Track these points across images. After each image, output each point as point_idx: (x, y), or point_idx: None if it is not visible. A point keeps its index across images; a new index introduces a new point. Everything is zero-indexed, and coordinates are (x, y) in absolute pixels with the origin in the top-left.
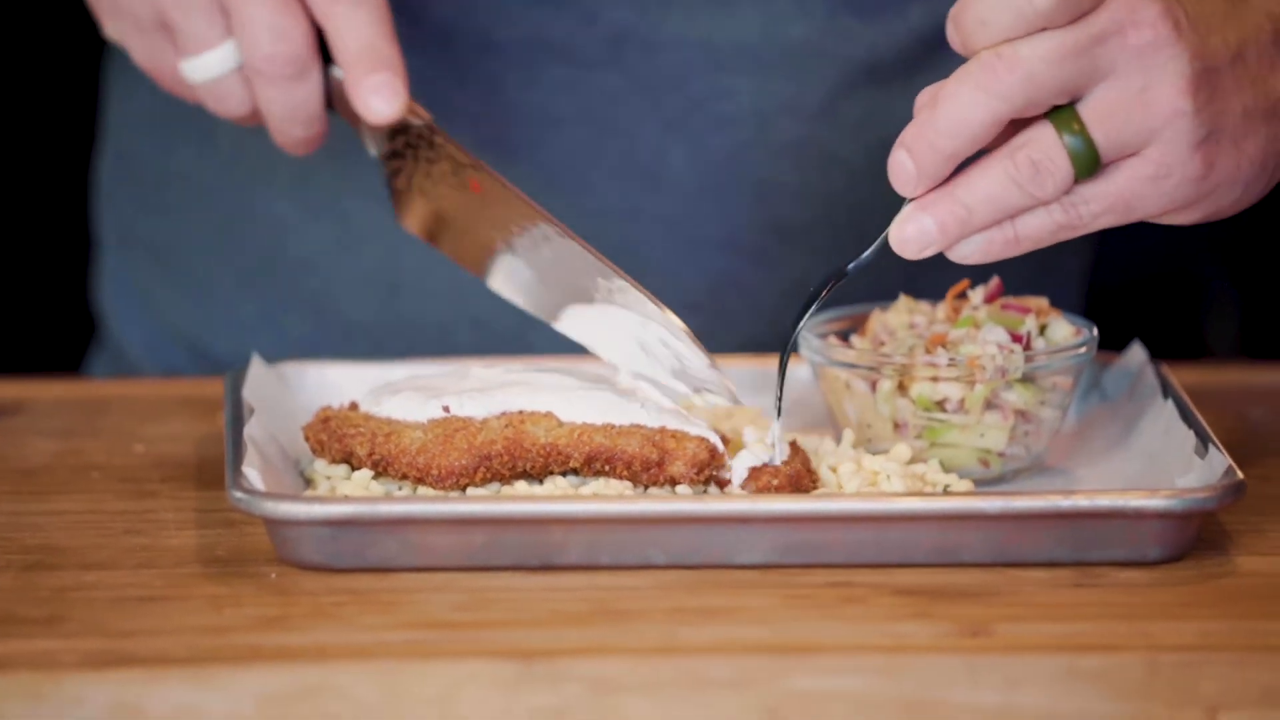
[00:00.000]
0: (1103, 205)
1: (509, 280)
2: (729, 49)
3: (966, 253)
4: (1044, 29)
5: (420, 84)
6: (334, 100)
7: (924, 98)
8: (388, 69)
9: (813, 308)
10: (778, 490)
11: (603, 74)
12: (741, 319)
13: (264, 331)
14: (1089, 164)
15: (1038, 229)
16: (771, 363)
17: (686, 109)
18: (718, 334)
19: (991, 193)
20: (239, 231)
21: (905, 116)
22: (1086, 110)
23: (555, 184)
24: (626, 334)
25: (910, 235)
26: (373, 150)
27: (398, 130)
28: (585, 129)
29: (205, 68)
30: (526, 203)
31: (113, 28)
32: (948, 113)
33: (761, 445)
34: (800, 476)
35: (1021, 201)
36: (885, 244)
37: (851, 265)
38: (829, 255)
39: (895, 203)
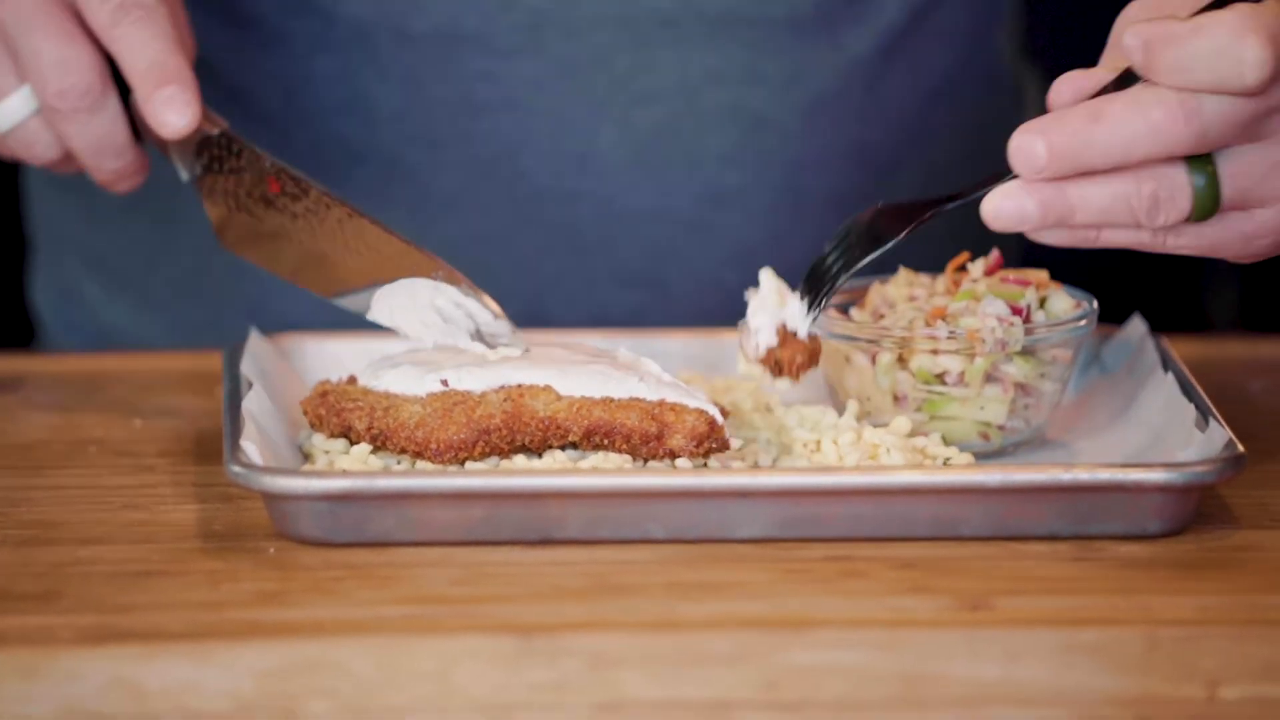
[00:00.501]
0: (1191, 243)
1: (317, 275)
2: (647, 23)
3: (1048, 238)
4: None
5: (340, 82)
6: (142, 128)
7: (1065, 90)
8: (175, 81)
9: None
10: (799, 368)
11: (523, 60)
12: (683, 289)
13: (203, 334)
14: (1207, 212)
15: (1121, 242)
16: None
17: (611, 87)
18: (660, 307)
19: (1104, 206)
20: (172, 235)
21: (835, 72)
22: (1225, 165)
23: (486, 173)
24: (425, 304)
25: (1008, 211)
26: (185, 175)
27: (201, 145)
28: (511, 116)
29: (4, 116)
30: (323, 193)
31: None
32: (1109, 134)
33: (788, 305)
34: (819, 355)
35: (1126, 221)
36: (966, 204)
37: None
38: (765, 218)
39: (828, 159)
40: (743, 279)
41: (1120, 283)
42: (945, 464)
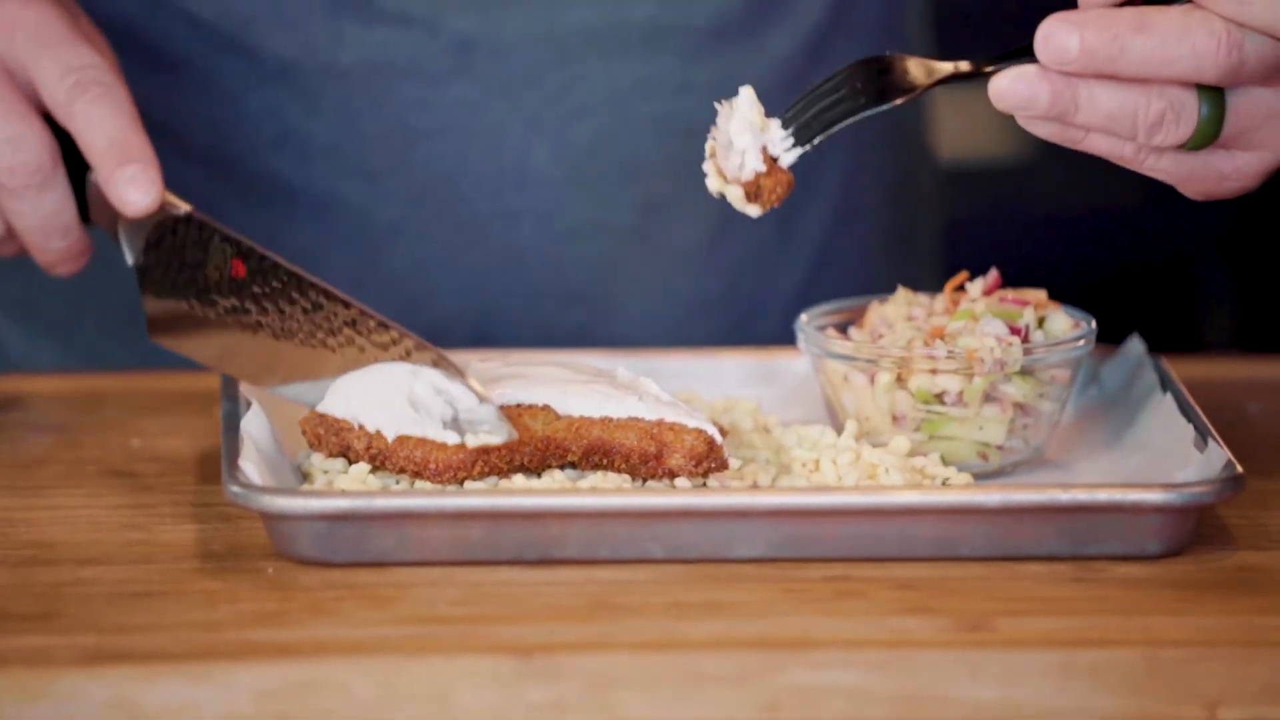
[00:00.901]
0: (1169, 167)
1: (275, 366)
2: (575, 40)
3: (1039, 130)
4: (1275, 37)
5: (271, 118)
6: (90, 211)
7: None
8: (137, 159)
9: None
10: (778, 199)
11: (454, 84)
12: (626, 302)
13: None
14: (1203, 143)
15: (1104, 149)
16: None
17: (543, 105)
18: (606, 321)
19: (1110, 112)
20: (103, 278)
21: (761, 75)
22: (1234, 101)
23: (424, 199)
24: (396, 392)
25: (1019, 93)
26: (130, 259)
27: (157, 229)
28: (446, 141)
29: None
30: (293, 273)
31: None
32: (1149, 47)
33: (770, 129)
34: (792, 187)
35: (1126, 134)
36: (971, 79)
37: (941, 72)
38: (703, 224)
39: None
40: (685, 287)
41: (1117, 302)
42: (944, 484)
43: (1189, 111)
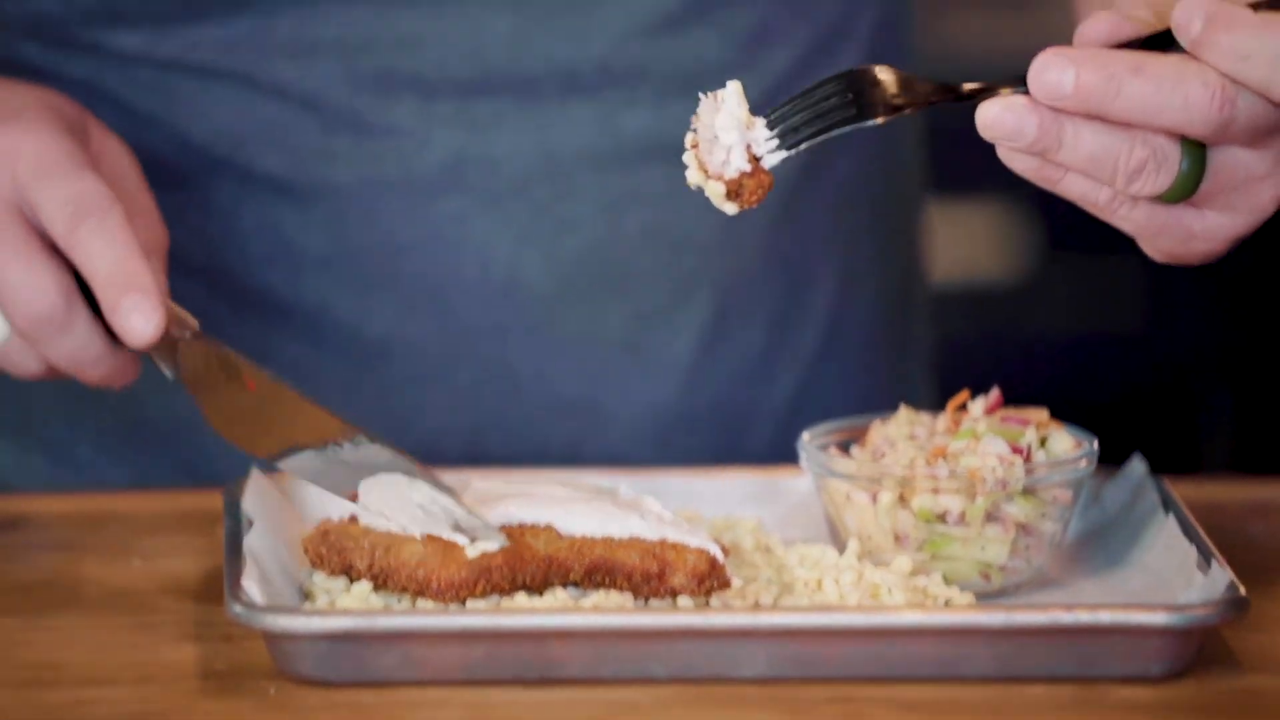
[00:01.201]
0: (1140, 220)
1: (301, 468)
2: (566, 152)
3: (1016, 162)
4: (1268, 98)
5: (264, 234)
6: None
7: (1099, 29)
8: (137, 289)
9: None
10: (758, 200)
11: (444, 197)
12: (619, 413)
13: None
14: (1178, 198)
15: (1078, 193)
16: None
17: (533, 216)
18: (598, 433)
19: (1093, 154)
20: (95, 397)
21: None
22: (1215, 160)
23: (415, 309)
24: (406, 497)
25: (1007, 124)
26: (169, 374)
27: (177, 347)
28: (437, 251)
29: None
30: (297, 397)
31: None
32: (1143, 90)
33: (755, 128)
34: (771, 188)
35: (1105, 178)
36: (960, 102)
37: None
38: (693, 335)
39: (749, 273)
40: (677, 399)
41: (1118, 423)
42: (947, 604)
43: (1171, 163)
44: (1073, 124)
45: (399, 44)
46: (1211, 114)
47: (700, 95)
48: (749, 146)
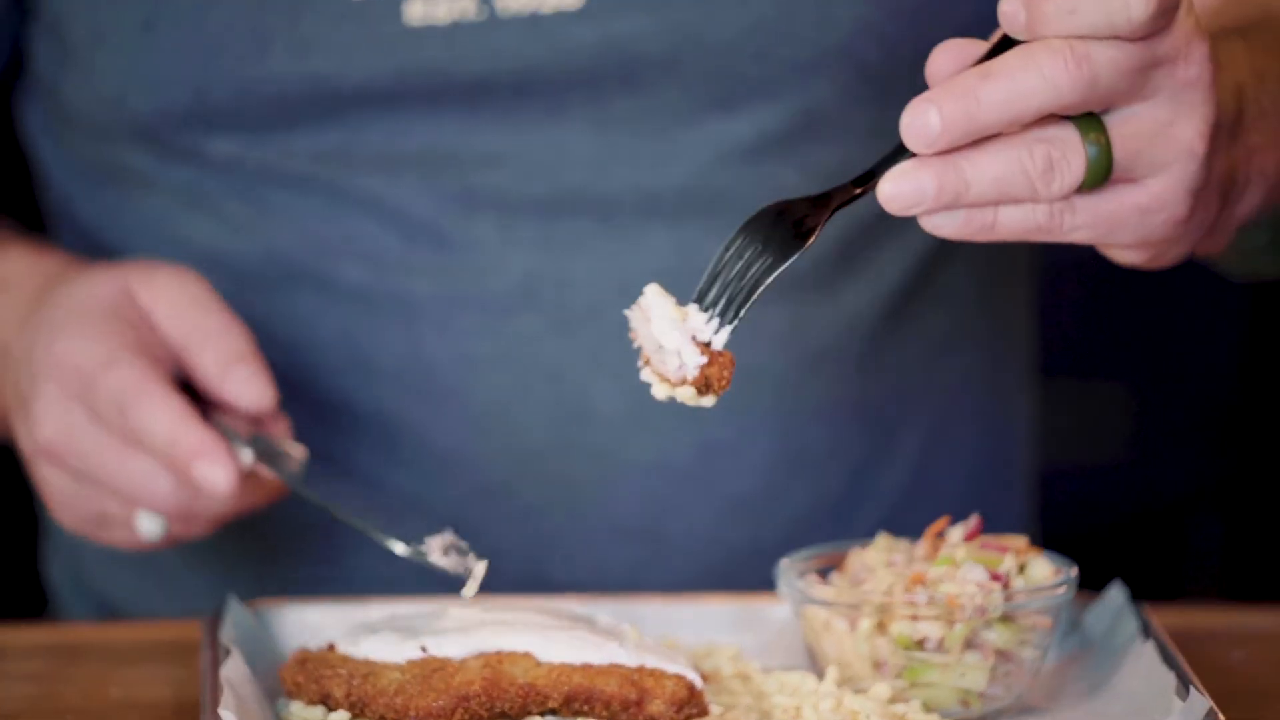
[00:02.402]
0: (1087, 221)
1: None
2: (642, 279)
3: (942, 224)
4: (1117, 37)
5: (342, 343)
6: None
7: (945, 60)
8: (197, 454)
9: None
10: (726, 383)
11: (518, 316)
12: (681, 543)
13: (207, 600)
14: (1101, 176)
15: (1018, 224)
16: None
17: (605, 340)
18: (659, 561)
19: (998, 175)
20: None
21: (830, 326)
22: (1114, 125)
23: (484, 428)
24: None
25: (905, 192)
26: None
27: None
28: (508, 371)
29: (151, 527)
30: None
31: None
32: (1000, 87)
33: (690, 318)
34: (734, 365)
35: (1023, 192)
36: (860, 196)
37: (841, 194)
38: (763, 471)
39: (827, 412)
40: (742, 533)
41: (1098, 549)
42: None
43: (1073, 144)
44: (965, 158)
45: (481, 160)
46: (1073, 76)
47: (625, 313)
48: (694, 338)
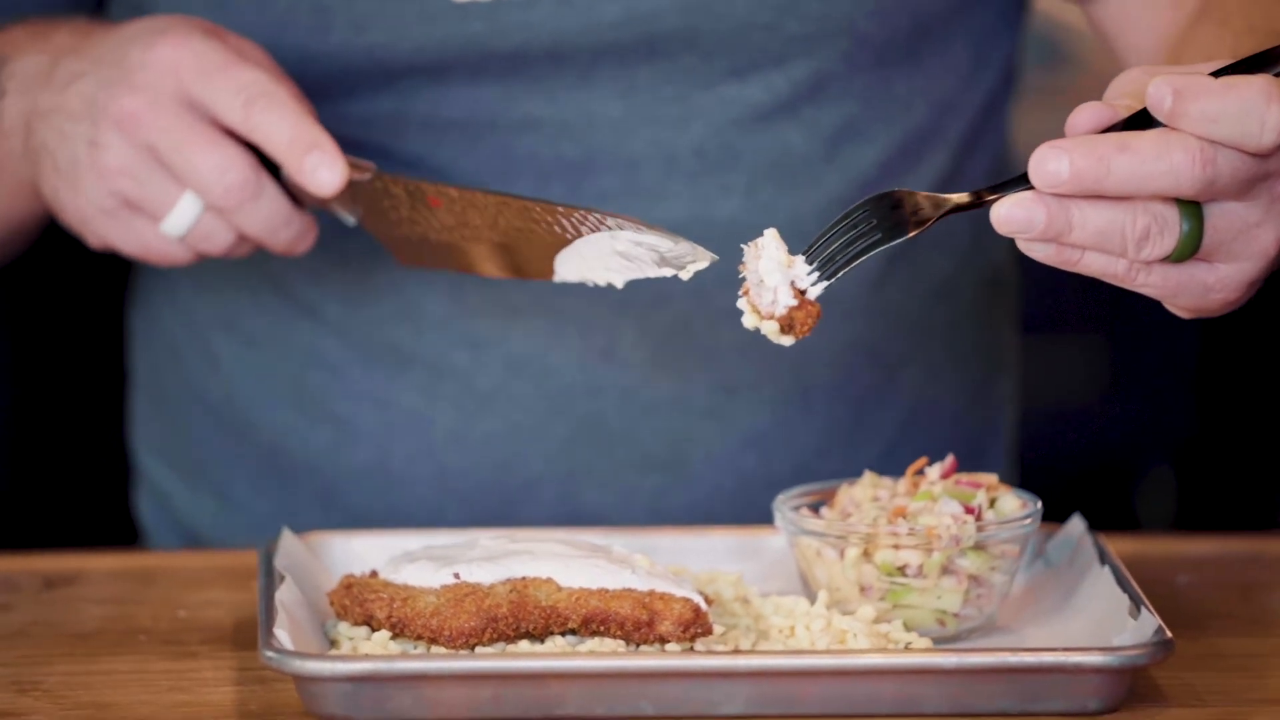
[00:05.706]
0: (1158, 282)
1: (493, 262)
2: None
3: (1036, 250)
4: (1242, 150)
5: (394, 293)
6: (298, 193)
7: (1084, 119)
8: (316, 147)
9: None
10: (809, 329)
11: None
12: (701, 472)
13: (276, 528)
14: (1186, 255)
15: (1098, 268)
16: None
17: (630, 290)
18: (681, 489)
19: (1101, 228)
20: (249, 440)
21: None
22: (1210, 215)
23: (520, 370)
24: (607, 253)
25: (1018, 218)
26: (351, 220)
27: (355, 191)
28: (542, 318)
29: (180, 220)
30: (480, 191)
31: (91, 234)
32: (1131, 163)
33: (795, 266)
34: (819, 316)
35: (1116, 249)
36: (974, 208)
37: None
38: (775, 408)
39: (834, 355)
40: (756, 463)
41: (1061, 485)
42: (906, 648)
43: (1171, 225)
44: (1077, 206)
45: (518, 125)
46: (1196, 174)
47: (742, 246)
48: (793, 283)
